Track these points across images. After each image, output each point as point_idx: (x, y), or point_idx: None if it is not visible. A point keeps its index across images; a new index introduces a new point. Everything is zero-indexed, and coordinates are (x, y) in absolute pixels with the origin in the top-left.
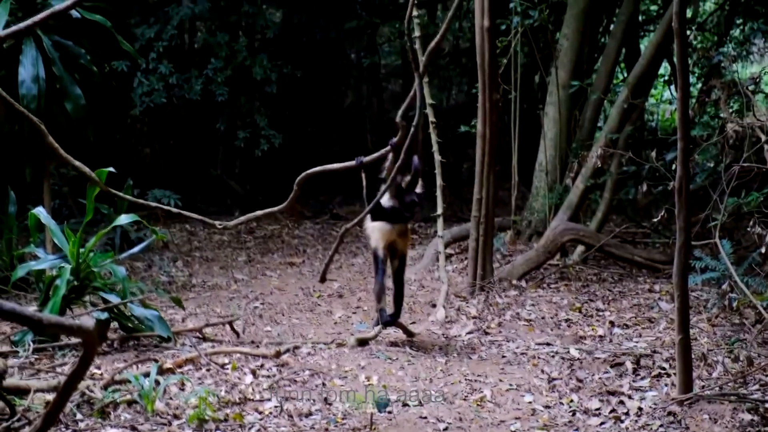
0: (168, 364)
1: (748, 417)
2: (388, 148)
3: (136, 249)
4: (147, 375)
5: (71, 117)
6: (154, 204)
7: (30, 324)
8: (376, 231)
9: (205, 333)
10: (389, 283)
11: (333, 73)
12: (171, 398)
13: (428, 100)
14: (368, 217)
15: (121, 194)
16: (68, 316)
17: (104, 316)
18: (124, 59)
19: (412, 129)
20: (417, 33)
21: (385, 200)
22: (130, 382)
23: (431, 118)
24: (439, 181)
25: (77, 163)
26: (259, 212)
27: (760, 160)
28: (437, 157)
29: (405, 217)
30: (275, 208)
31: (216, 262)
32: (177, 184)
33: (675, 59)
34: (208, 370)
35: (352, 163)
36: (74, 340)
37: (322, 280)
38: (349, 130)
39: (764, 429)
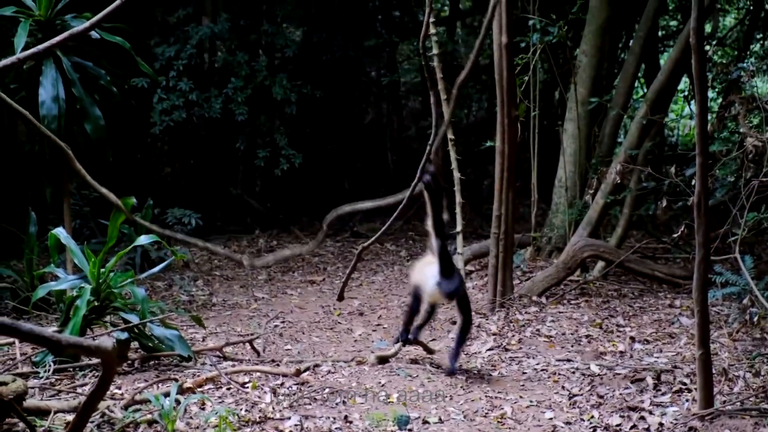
0: (188, 384)
1: None
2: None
3: (156, 269)
4: (167, 395)
5: (91, 138)
6: (180, 236)
7: (49, 345)
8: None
9: (225, 352)
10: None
11: (353, 91)
12: (191, 418)
13: (447, 118)
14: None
15: (147, 224)
16: (89, 337)
17: (124, 336)
18: (143, 77)
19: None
20: (435, 50)
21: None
22: (150, 402)
23: (450, 135)
24: (458, 198)
25: (104, 190)
26: (287, 252)
27: None
28: (456, 174)
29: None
30: (303, 249)
31: (236, 281)
32: (197, 203)
33: (693, 74)
34: (228, 389)
35: (382, 202)
36: (94, 360)
37: (340, 298)
38: (369, 147)
39: None
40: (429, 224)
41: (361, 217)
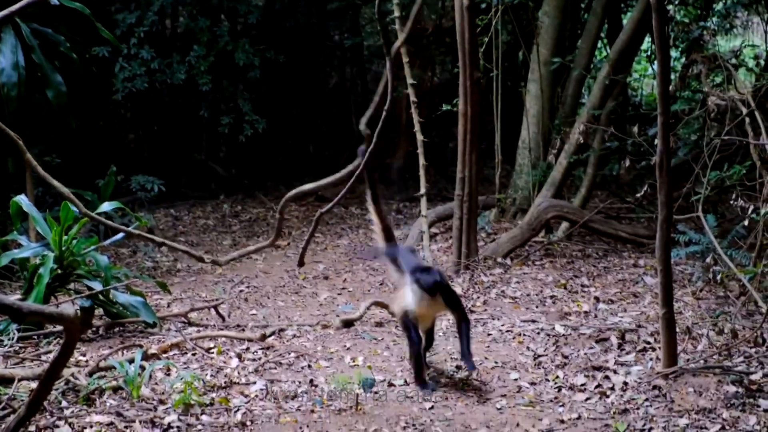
0: (153, 350)
1: (732, 389)
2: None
3: (119, 235)
4: (132, 361)
5: (53, 104)
6: (136, 232)
7: (10, 313)
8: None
9: (190, 318)
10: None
11: (316, 56)
12: (156, 384)
13: (409, 80)
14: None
15: (94, 215)
16: (52, 304)
17: (88, 303)
18: (105, 45)
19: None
20: (396, 13)
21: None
22: (115, 368)
23: (412, 98)
24: (422, 160)
25: (56, 183)
26: (251, 248)
27: (742, 133)
28: (419, 137)
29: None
30: (264, 244)
31: (201, 246)
32: (161, 170)
33: (654, 34)
34: (193, 354)
35: (331, 179)
36: (59, 327)
37: (300, 264)
38: (333, 112)
39: (748, 400)
40: (375, 231)
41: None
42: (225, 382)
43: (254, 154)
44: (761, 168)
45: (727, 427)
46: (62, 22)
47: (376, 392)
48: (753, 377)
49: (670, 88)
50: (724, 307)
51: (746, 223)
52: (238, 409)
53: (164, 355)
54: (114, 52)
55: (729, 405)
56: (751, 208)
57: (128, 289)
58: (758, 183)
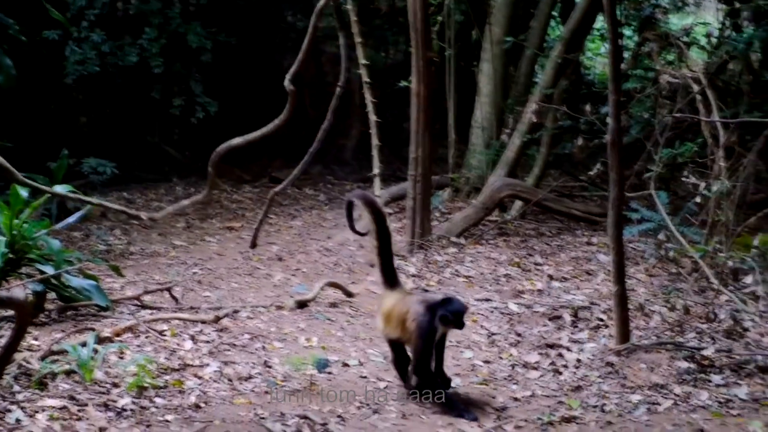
0: (106, 333)
1: (684, 365)
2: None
3: (71, 219)
4: (85, 345)
5: (2, 88)
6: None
7: None
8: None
9: (143, 300)
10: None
11: (269, 37)
12: (110, 367)
13: (362, 60)
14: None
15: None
16: (4, 289)
17: (40, 287)
18: (55, 28)
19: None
20: None
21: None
22: (68, 352)
23: (365, 78)
24: (375, 141)
25: (6, 164)
26: (185, 202)
27: (694, 110)
28: (372, 117)
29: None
30: (199, 197)
31: (154, 229)
32: (114, 153)
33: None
34: (147, 337)
35: (260, 132)
36: (10, 312)
37: (253, 245)
38: (287, 93)
39: (700, 376)
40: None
41: (279, 163)
42: (179, 365)
43: (207, 137)
44: (712, 145)
45: (680, 403)
46: (11, 4)
47: (330, 373)
48: (705, 353)
49: (622, 66)
50: (677, 283)
51: (698, 200)
52: (192, 391)
53: (117, 339)
54: (65, 35)
55: (681, 380)
56: (703, 185)
57: (81, 273)
58: (710, 160)
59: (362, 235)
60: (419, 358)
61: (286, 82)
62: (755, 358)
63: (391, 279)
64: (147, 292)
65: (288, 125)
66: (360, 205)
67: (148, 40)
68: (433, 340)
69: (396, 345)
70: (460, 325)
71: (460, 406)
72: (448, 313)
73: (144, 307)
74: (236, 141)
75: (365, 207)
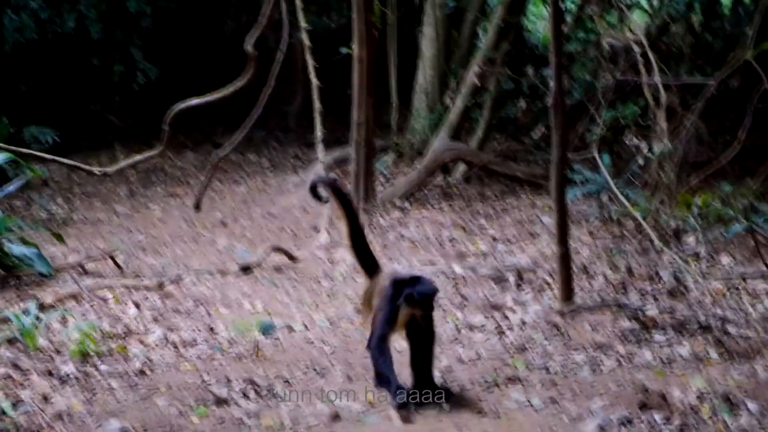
0: (49, 301)
1: (627, 324)
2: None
3: (11, 187)
4: (27, 312)
5: None
6: (25, 151)
7: None
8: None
9: (86, 268)
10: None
11: (210, 2)
12: (53, 334)
13: (303, 25)
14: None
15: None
16: None
17: None
18: None
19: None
20: None
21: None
22: (10, 320)
23: (307, 43)
24: (317, 105)
25: None
26: (139, 157)
27: (636, 72)
28: (314, 81)
29: None
30: (153, 153)
31: (97, 196)
32: (55, 121)
33: None
34: (90, 304)
35: (219, 94)
36: None
37: (197, 207)
38: (229, 59)
39: (643, 335)
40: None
41: (222, 129)
42: (123, 332)
43: (149, 103)
44: (654, 107)
45: (623, 362)
46: None
47: (276, 338)
48: (648, 313)
49: (564, 29)
50: (620, 244)
51: (640, 161)
52: (136, 358)
53: (61, 306)
54: (2, 3)
55: (625, 340)
56: (645, 146)
57: (22, 241)
58: (652, 122)
59: (322, 201)
60: (375, 333)
61: (248, 47)
62: (697, 317)
63: (369, 266)
64: (90, 259)
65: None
66: (326, 189)
67: (86, 5)
68: (393, 317)
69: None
70: (428, 308)
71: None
72: (414, 293)
73: (87, 274)
74: (194, 101)
75: (331, 193)
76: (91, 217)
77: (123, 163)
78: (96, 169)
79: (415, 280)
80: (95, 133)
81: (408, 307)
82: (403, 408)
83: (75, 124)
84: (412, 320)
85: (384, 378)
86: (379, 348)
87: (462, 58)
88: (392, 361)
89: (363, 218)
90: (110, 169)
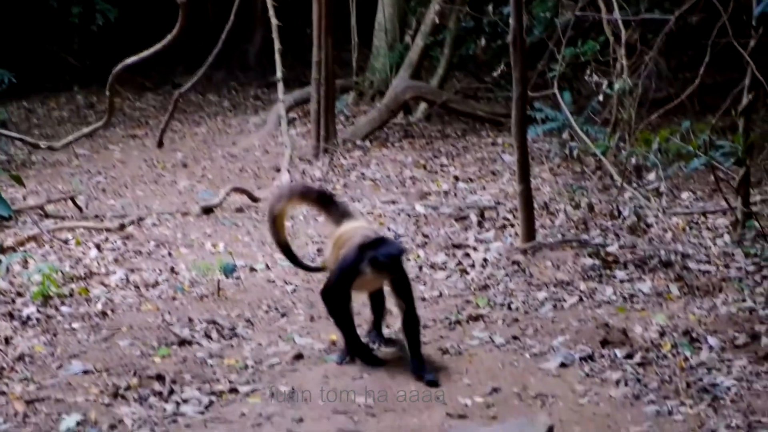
0: (9, 243)
1: (589, 261)
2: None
3: None
4: None
5: None
6: None
7: None
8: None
9: (47, 210)
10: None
11: None
12: (14, 276)
13: None
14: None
15: None
16: None
17: None
18: None
19: None
20: None
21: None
22: None
23: None
24: (277, 45)
25: None
26: (85, 130)
27: (596, 9)
28: (274, 21)
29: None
30: (98, 125)
31: (56, 138)
32: (12, 62)
33: None
34: (51, 246)
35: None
36: None
37: (160, 144)
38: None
39: (605, 272)
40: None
41: (182, 69)
42: (84, 273)
43: (108, 44)
44: (614, 43)
45: (585, 299)
46: None
47: (237, 277)
48: (609, 249)
49: None
50: (581, 182)
51: (601, 98)
52: (98, 299)
53: (21, 248)
54: None
55: (586, 277)
56: (606, 83)
57: None
58: (612, 58)
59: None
60: (329, 291)
61: None
62: (658, 253)
63: (336, 216)
64: (50, 202)
65: (188, 31)
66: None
67: None
68: (349, 280)
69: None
70: (395, 271)
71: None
72: (378, 255)
73: (47, 216)
74: (131, 60)
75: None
76: (50, 158)
77: (70, 137)
78: (42, 143)
79: (378, 242)
80: (54, 75)
81: (373, 270)
82: (373, 364)
83: (33, 66)
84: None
85: (344, 330)
86: (334, 296)
87: None
88: (349, 315)
89: (324, 158)
90: (57, 145)
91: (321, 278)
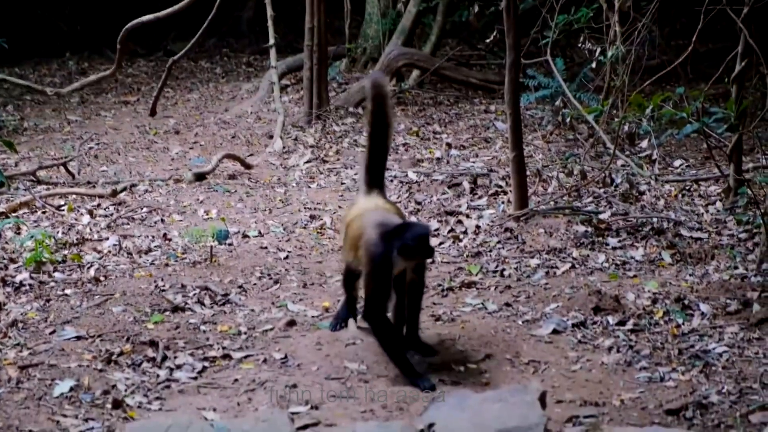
0: (1, 209)
1: (582, 229)
2: None
3: None
4: None
5: None
6: None
7: None
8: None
9: (39, 176)
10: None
11: None
12: (6, 243)
13: None
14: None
15: None
16: None
17: None
18: None
19: None
20: None
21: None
22: None
23: None
24: (269, 11)
25: None
26: (92, 77)
27: None
28: None
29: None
30: (106, 73)
31: (48, 104)
32: (3, 28)
33: None
34: (44, 212)
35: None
36: None
37: (152, 113)
38: None
39: (597, 239)
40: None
41: (174, 35)
42: (77, 239)
43: (99, 10)
44: (607, 10)
45: (577, 266)
46: None
47: (230, 244)
48: (602, 216)
49: None
50: (574, 149)
51: (594, 65)
52: (91, 265)
53: (13, 214)
54: None
55: (579, 244)
56: (599, 50)
57: None
58: (605, 25)
59: None
60: (370, 300)
61: None
62: (651, 220)
63: (374, 178)
64: (42, 168)
65: None
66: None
67: None
68: (389, 277)
69: (349, 271)
70: (428, 254)
71: (415, 372)
72: (408, 241)
73: (40, 182)
74: (147, 18)
75: (372, 90)
76: (42, 125)
77: (76, 84)
78: (49, 90)
79: (403, 228)
80: (45, 41)
81: (405, 259)
82: (430, 389)
83: (24, 32)
84: (401, 273)
85: (397, 360)
86: (380, 318)
87: None
88: (399, 337)
89: (317, 125)
90: (63, 90)
91: (313, 244)
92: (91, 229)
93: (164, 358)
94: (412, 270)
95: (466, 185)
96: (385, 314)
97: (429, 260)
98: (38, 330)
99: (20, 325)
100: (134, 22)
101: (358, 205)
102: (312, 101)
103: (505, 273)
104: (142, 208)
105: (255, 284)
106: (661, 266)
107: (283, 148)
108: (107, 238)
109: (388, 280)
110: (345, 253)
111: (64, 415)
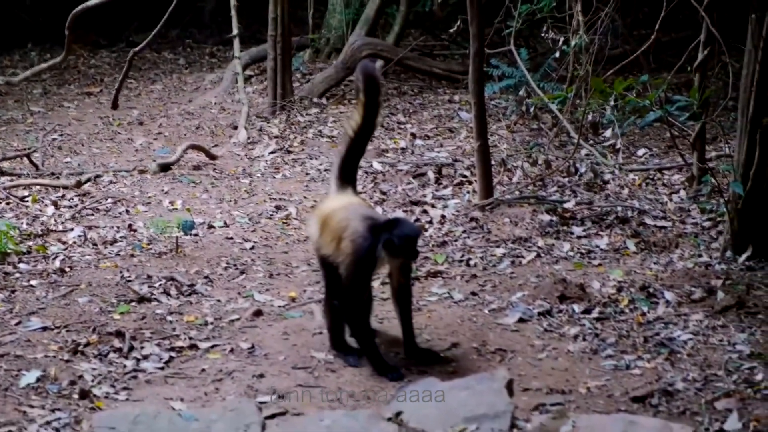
0: None
1: (547, 218)
2: None
3: None
4: None
5: None
6: None
7: None
8: None
9: (2, 167)
10: None
11: None
12: None
13: None
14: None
15: None
16: None
17: None
18: None
19: None
20: None
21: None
22: None
23: None
24: (232, 1)
25: None
26: (44, 65)
27: None
28: None
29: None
30: (56, 60)
31: (10, 95)
32: None
33: None
34: (7, 204)
35: None
36: None
37: (114, 106)
38: None
39: (562, 228)
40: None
41: (136, 26)
42: (42, 230)
43: (61, 2)
44: (570, 0)
45: (543, 255)
46: None
47: (196, 235)
48: (566, 206)
49: None
50: (538, 138)
51: (557, 55)
52: (56, 256)
53: None
54: None
55: (544, 233)
56: (562, 40)
57: None
58: (568, 15)
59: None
60: (348, 289)
61: None
62: (615, 209)
63: (346, 174)
64: (5, 159)
65: None
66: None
67: None
68: (370, 271)
69: (328, 266)
70: (412, 255)
71: (383, 362)
72: (394, 238)
73: (3, 173)
74: (92, 2)
75: (362, 78)
76: (4, 116)
77: (27, 72)
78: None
79: (393, 223)
80: (6, 32)
81: (389, 255)
82: (398, 379)
83: None
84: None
85: (368, 349)
86: (358, 311)
87: None
88: (372, 331)
89: (281, 115)
90: (15, 79)
91: (279, 235)
92: (55, 221)
93: (131, 348)
94: (399, 270)
95: (431, 175)
96: (360, 304)
97: (413, 262)
98: (3, 321)
99: None
100: (81, 7)
101: (336, 200)
102: (276, 92)
103: (471, 262)
104: (106, 199)
105: (221, 275)
106: (626, 255)
107: (248, 138)
108: (72, 229)
109: (369, 273)
110: (324, 245)
111: (31, 406)
